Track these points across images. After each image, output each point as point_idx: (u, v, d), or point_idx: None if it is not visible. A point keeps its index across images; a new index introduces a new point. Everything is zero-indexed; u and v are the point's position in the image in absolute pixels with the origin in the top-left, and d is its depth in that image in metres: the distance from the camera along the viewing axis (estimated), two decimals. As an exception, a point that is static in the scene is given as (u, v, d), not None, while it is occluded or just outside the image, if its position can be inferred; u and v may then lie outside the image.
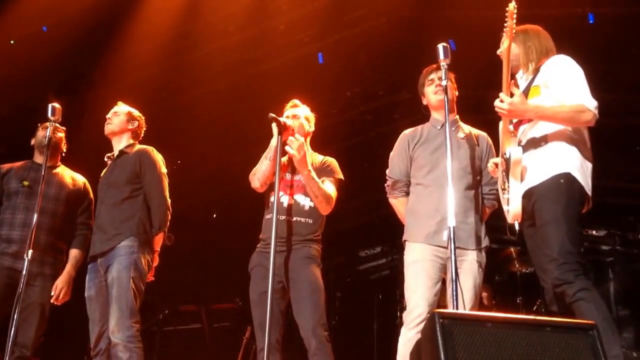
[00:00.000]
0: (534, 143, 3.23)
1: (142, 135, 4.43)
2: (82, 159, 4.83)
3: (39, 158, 4.49)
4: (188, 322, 7.51)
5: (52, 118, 4.09)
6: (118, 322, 3.79)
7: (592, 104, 3.10)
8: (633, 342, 6.43)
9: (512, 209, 3.20)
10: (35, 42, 5.97)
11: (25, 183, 4.36)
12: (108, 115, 4.37)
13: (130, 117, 4.36)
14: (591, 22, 5.25)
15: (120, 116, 4.35)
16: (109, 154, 4.34)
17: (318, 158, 4.02)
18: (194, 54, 6.31)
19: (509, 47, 3.15)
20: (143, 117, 4.45)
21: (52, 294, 4.24)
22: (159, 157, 4.26)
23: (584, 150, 3.20)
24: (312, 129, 4.10)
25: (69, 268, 4.35)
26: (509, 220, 3.26)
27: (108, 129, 4.33)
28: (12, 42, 6.00)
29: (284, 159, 3.85)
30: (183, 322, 7.46)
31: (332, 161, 4.02)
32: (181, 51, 6.27)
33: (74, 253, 4.41)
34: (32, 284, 4.14)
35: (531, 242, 3.24)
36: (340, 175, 3.97)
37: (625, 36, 5.36)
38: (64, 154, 4.62)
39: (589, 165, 3.20)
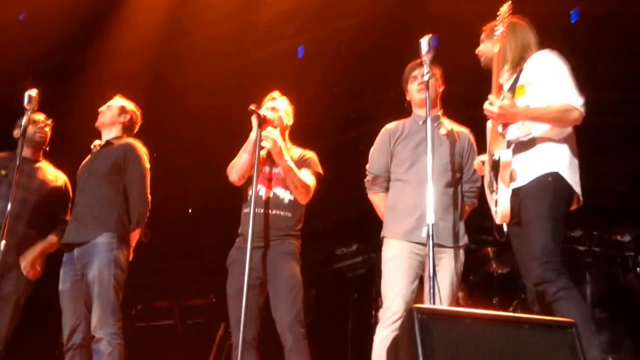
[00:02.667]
0: (523, 143, 3.21)
1: (136, 130, 4.38)
2: (63, 148, 4.74)
3: (25, 151, 4.37)
4: (161, 318, 7.44)
5: (28, 107, 4.01)
6: (101, 320, 3.75)
7: (578, 101, 3.09)
8: (609, 345, 6.47)
9: (501, 210, 3.18)
10: (14, 30, 5.85)
11: (3, 172, 4.29)
12: (102, 109, 4.33)
13: (122, 111, 4.31)
14: (573, 20, 5.28)
15: (112, 109, 4.31)
16: (96, 143, 4.28)
17: (297, 152, 3.98)
18: (176, 45, 6.23)
19: (499, 51, 3.13)
20: (138, 112, 4.39)
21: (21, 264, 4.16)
22: (143, 152, 4.20)
23: (572, 149, 3.19)
24: (291, 122, 4.06)
25: (41, 244, 4.26)
26: (498, 221, 3.24)
27: (99, 121, 4.30)
28: None
29: (263, 152, 3.79)
30: (156, 318, 7.39)
31: (312, 155, 3.99)
32: (163, 41, 6.17)
33: (50, 236, 4.32)
34: (7, 276, 4.10)
35: (516, 240, 3.22)
36: (319, 169, 3.94)
37: (610, 34, 5.38)
38: (47, 149, 4.55)
39: (577, 163, 3.19)
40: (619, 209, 7.33)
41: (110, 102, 4.35)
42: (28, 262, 4.18)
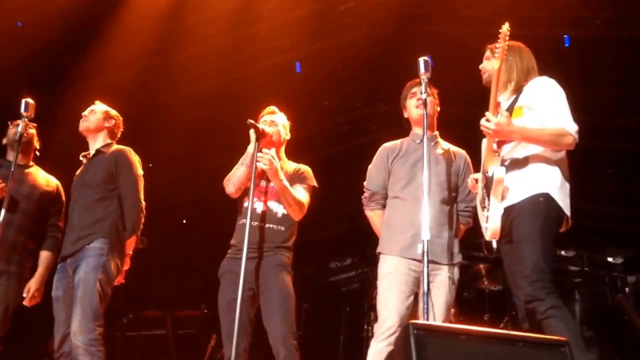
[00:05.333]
0: (517, 162, 3.27)
1: (119, 135, 4.36)
2: (56, 157, 4.74)
3: (11, 156, 4.39)
4: (152, 328, 7.41)
5: (24, 114, 4.04)
6: (80, 324, 3.71)
7: (573, 128, 3.16)
8: (597, 363, 6.52)
9: (491, 226, 3.22)
10: (11, 37, 5.86)
11: None
12: (84, 113, 4.29)
13: (107, 116, 4.29)
14: (567, 44, 5.37)
15: (96, 114, 4.27)
16: (84, 153, 4.26)
17: (292, 166, 4.01)
18: (173, 56, 6.28)
19: (499, 68, 3.19)
20: (121, 118, 4.38)
21: (25, 295, 4.16)
22: (135, 159, 4.18)
23: (564, 171, 3.25)
24: (288, 136, 4.09)
25: (41, 270, 4.27)
26: (487, 237, 3.28)
27: (83, 126, 4.25)
28: None
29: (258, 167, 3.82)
30: (147, 327, 7.36)
31: (307, 169, 4.02)
32: (161, 53, 6.23)
33: (45, 255, 4.32)
34: None
35: (507, 258, 3.26)
36: (314, 183, 3.97)
37: (600, 59, 5.49)
38: (37, 153, 4.53)
39: (568, 186, 3.25)
40: (611, 231, 7.40)
41: (92, 107, 4.31)
42: (34, 291, 4.19)
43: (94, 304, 3.75)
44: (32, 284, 4.20)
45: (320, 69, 6.35)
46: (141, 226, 4.08)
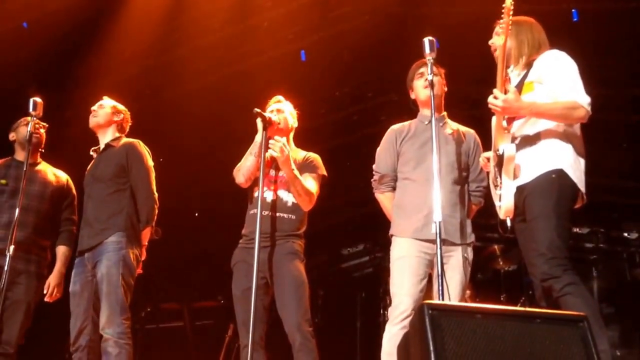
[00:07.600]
0: (528, 139, 3.22)
1: (128, 129, 4.39)
2: (64, 155, 4.76)
3: (20, 155, 4.45)
4: (170, 320, 7.51)
5: (33, 113, 4.06)
6: (109, 318, 3.78)
7: (585, 100, 3.10)
8: (617, 340, 6.49)
9: (505, 205, 3.19)
10: (17, 37, 5.88)
11: (3, 182, 4.30)
12: (93, 108, 4.33)
13: (116, 110, 4.33)
14: (575, 19, 5.30)
15: (105, 108, 4.31)
16: (94, 148, 4.30)
17: (301, 154, 4.01)
18: (178, 51, 6.27)
19: (504, 44, 3.14)
20: (128, 112, 4.41)
21: (45, 292, 4.22)
22: (145, 151, 4.22)
23: (577, 146, 3.20)
24: (296, 124, 4.08)
25: (59, 266, 4.33)
26: (501, 216, 3.25)
27: (93, 121, 4.29)
28: None
29: (269, 154, 3.82)
30: (165, 320, 7.45)
31: (316, 157, 4.01)
32: (165, 48, 6.22)
33: (62, 250, 4.38)
34: (17, 282, 4.12)
35: (522, 237, 3.23)
36: (323, 171, 3.96)
37: (610, 32, 5.41)
38: (43, 151, 4.55)
39: (582, 162, 3.20)
40: (626, 205, 7.34)
41: (101, 102, 4.35)
42: (53, 287, 4.24)
43: (119, 298, 3.81)
44: (52, 280, 4.26)
45: (325, 58, 6.32)
46: (155, 217, 4.11)
